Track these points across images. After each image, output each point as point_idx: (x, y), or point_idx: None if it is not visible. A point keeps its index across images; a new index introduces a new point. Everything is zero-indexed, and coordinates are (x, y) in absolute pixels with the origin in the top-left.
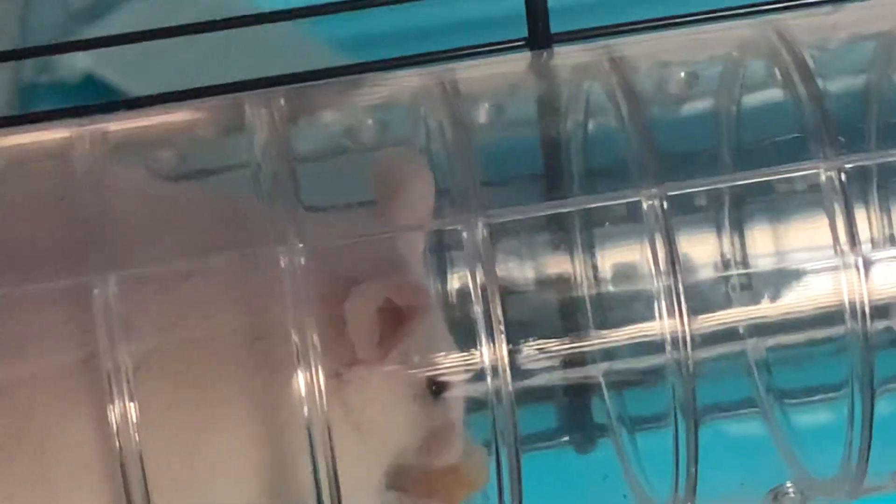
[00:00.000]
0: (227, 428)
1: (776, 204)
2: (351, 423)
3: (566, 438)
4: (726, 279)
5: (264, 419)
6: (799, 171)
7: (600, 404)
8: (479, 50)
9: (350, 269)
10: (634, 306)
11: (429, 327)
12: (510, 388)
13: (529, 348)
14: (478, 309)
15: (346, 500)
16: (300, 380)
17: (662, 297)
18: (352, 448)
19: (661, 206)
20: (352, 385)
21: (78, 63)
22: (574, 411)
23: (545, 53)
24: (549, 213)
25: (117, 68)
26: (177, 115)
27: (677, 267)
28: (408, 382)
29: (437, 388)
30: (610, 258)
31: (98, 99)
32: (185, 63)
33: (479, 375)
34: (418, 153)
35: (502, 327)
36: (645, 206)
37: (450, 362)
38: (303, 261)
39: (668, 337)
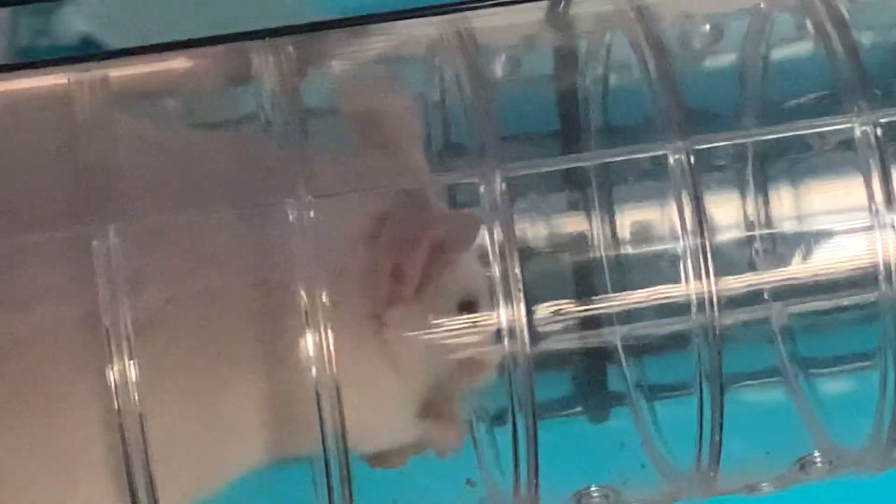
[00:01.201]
0: (237, 382)
1: (805, 161)
2: (388, 362)
3: (580, 407)
4: (752, 240)
5: (275, 375)
6: (833, 125)
7: (617, 372)
8: (495, 2)
9: (380, 207)
10: (657, 267)
11: (461, 261)
12: (528, 351)
13: (546, 311)
14: (495, 268)
15: (382, 436)
16: (308, 338)
17: (689, 257)
18: (389, 386)
19: (688, 160)
20: (390, 324)
21: (75, 26)
22: (589, 378)
23: (563, 2)
24: (572, 166)
25: (115, 32)
26: (180, 63)
27: (705, 226)
28: (442, 312)
29: (467, 309)
30: (631, 216)
31: None
32: (186, 30)
33: (494, 338)
34: (391, 78)
35: (521, 286)
36: (671, 160)
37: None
38: (312, 214)
39: (694, 299)
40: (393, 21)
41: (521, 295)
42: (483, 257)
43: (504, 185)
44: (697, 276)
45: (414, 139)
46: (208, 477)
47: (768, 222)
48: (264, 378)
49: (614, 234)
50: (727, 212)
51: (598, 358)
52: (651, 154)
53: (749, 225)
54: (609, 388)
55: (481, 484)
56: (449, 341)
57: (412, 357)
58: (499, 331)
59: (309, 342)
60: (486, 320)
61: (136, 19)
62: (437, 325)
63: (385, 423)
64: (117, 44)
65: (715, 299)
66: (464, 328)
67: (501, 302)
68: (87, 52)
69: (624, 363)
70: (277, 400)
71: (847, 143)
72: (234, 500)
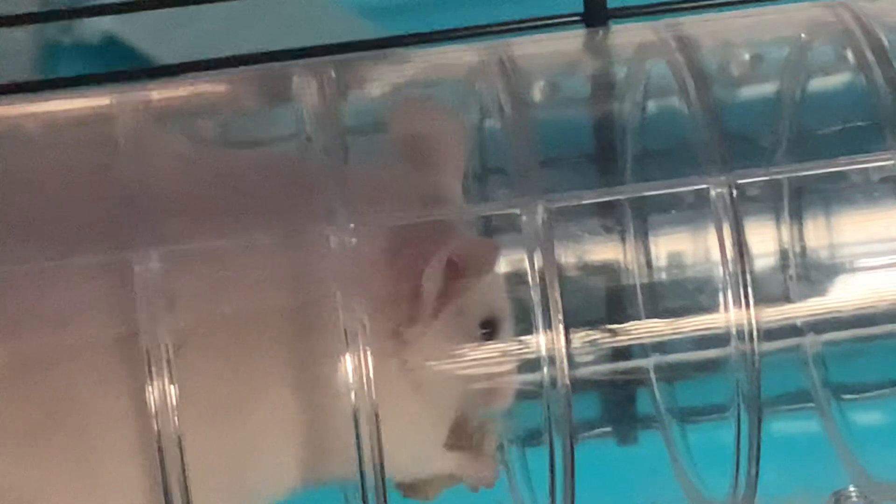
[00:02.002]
0: (271, 405)
1: (843, 193)
2: (410, 383)
3: (608, 428)
4: (788, 270)
5: (309, 397)
6: (876, 162)
7: (647, 394)
8: (532, 24)
9: (403, 228)
10: (696, 296)
11: (484, 281)
12: (567, 381)
13: (583, 337)
14: (535, 296)
15: (411, 463)
16: (348, 363)
17: (729, 288)
18: (412, 408)
19: (731, 194)
20: (410, 344)
21: (100, 24)
22: (618, 401)
23: (601, 30)
24: (613, 198)
25: (139, 30)
26: (221, 84)
27: (746, 258)
28: (462, 333)
29: (488, 331)
30: (668, 245)
31: (119, 61)
32: (208, 28)
33: (532, 365)
34: (440, 101)
35: (561, 316)
36: (713, 193)
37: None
38: (353, 240)
39: (734, 330)
40: (431, 41)
41: (562, 326)
42: (510, 278)
43: (546, 216)
44: (738, 306)
45: (454, 166)
46: (241, 501)
47: (810, 253)
48: (299, 401)
49: (649, 261)
50: (764, 241)
51: (633, 382)
52: (693, 188)
53: (787, 254)
54: (638, 411)
55: None
56: (469, 364)
57: (432, 378)
58: (529, 358)
59: (348, 367)
60: (506, 346)
61: (159, 19)
62: (457, 348)
63: (409, 446)
64: (140, 43)
65: (755, 328)
66: (486, 353)
67: (542, 330)
68: (111, 50)
69: (655, 387)
70: (312, 423)
71: (888, 178)
72: None
